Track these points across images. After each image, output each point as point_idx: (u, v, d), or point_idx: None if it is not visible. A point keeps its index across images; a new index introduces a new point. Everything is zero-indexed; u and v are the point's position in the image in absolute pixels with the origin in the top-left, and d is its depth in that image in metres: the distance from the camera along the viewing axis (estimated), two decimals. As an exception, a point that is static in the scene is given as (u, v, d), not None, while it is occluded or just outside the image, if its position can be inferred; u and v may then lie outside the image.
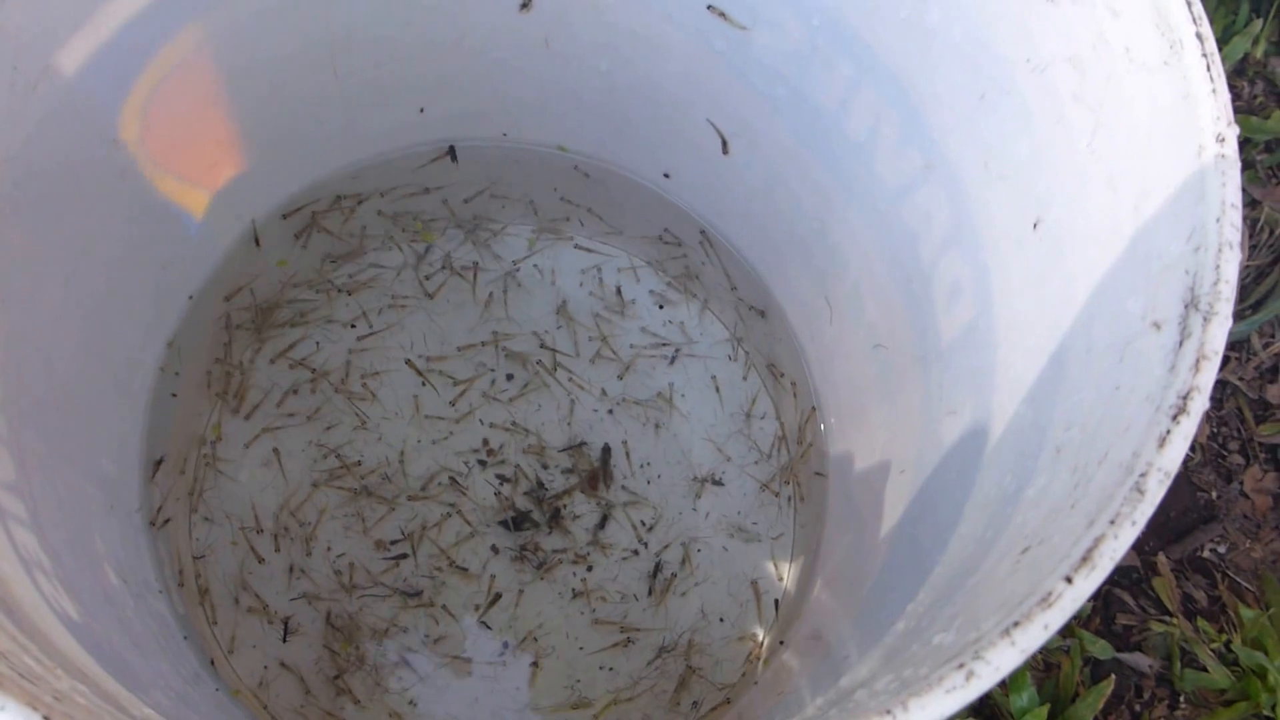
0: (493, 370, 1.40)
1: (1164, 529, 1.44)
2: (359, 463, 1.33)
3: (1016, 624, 0.59)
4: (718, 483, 1.37)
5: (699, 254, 1.44)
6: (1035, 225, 0.92)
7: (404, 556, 1.29)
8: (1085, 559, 0.60)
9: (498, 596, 1.29)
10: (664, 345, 1.42)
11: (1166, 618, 1.38)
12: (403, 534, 1.30)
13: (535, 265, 1.45)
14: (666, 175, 1.40)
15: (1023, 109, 0.92)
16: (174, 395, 1.29)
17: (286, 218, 1.39)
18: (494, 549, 1.31)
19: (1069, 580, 0.60)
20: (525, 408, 1.38)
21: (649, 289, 1.45)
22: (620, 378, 1.41)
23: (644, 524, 1.34)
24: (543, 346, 1.41)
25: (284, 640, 1.25)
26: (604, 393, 1.40)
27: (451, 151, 1.41)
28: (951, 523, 0.96)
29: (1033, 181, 0.93)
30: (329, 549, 1.29)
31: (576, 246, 1.46)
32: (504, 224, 1.46)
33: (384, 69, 1.29)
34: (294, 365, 1.37)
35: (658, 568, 1.33)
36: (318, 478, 1.32)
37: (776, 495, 1.36)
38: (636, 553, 1.33)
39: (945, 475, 1.03)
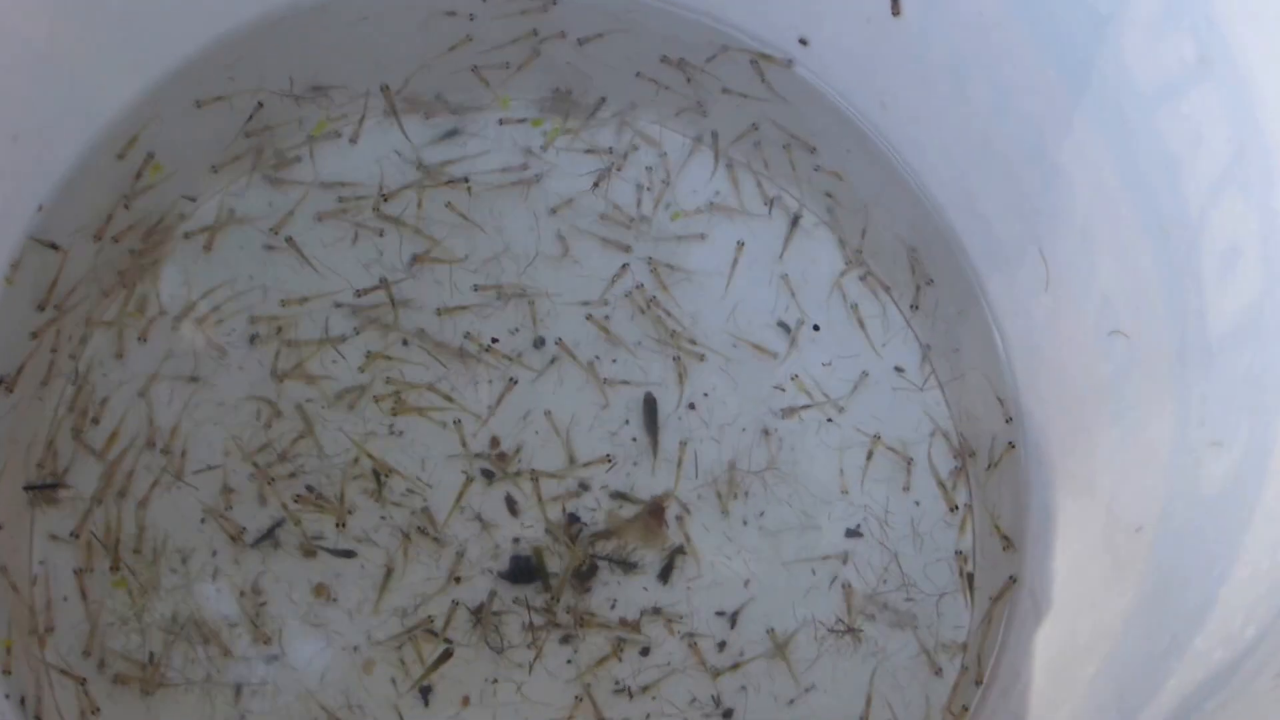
0: (513, 333, 1.50)
1: None
2: (298, 462, 1.44)
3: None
4: (855, 533, 1.46)
5: (843, 167, 1.52)
6: (1360, 161, 0.98)
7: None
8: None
9: (450, 670, 1.40)
10: (780, 312, 1.52)
11: None
12: (337, 569, 1.41)
13: (580, 173, 1.55)
14: (803, 42, 1.47)
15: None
16: (29, 336, 1.41)
17: (202, 104, 1.49)
18: (476, 615, 1.42)
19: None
20: (557, 393, 1.49)
21: (762, 223, 1.54)
22: (703, 359, 1.50)
23: (729, 599, 1.44)
24: (587, 312, 1.52)
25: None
26: (681, 377, 1.49)
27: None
28: (1199, 612, 1.04)
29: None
30: (241, 593, 1.41)
31: (650, 145, 1.56)
32: (543, 110, 1.56)
33: None
34: (201, 315, 1.48)
35: (736, 667, 1.42)
36: (233, 480, 1.43)
37: (946, 560, 1.46)
38: (721, 644, 1.43)
39: (1199, 538, 1.10)
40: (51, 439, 1.42)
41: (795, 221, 1.54)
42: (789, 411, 1.49)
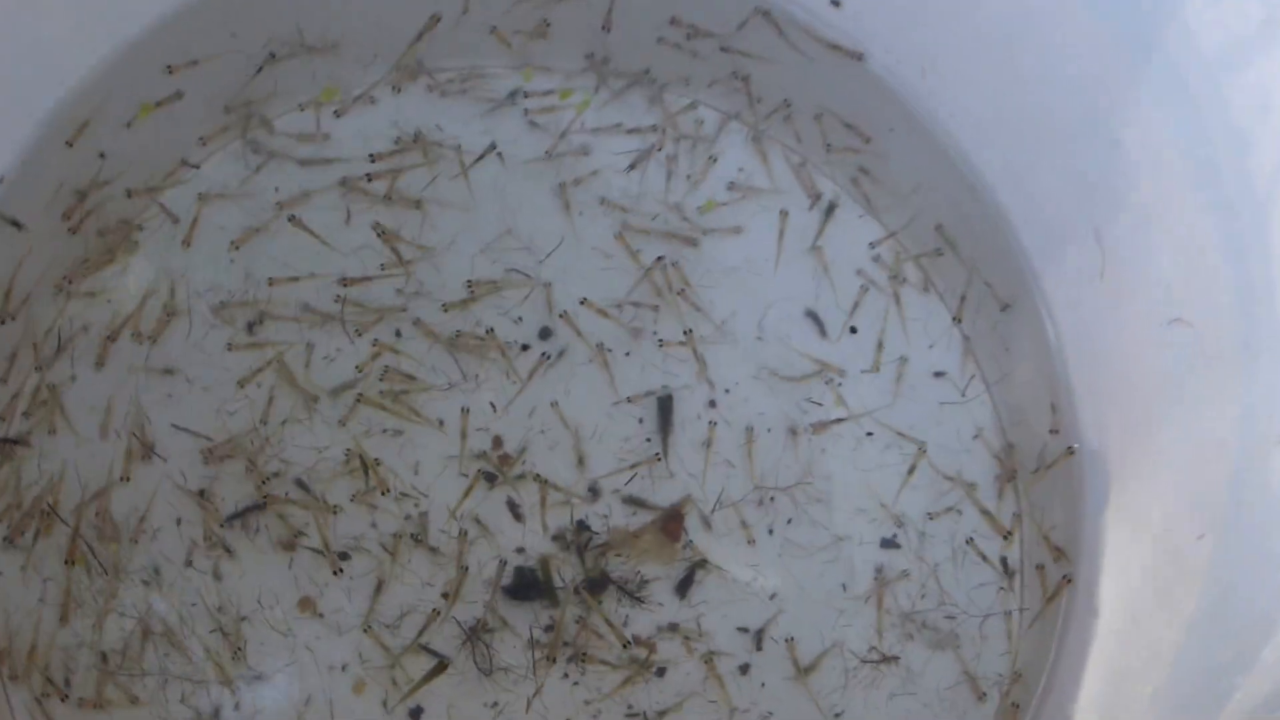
0: (516, 323, 1.51)
1: None
2: (283, 454, 1.46)
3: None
4: (891, 544, 1.48)
5: (882, 143, 1.53)
6: None
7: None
8: None
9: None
10: (812, 304, 1.54)
11: None
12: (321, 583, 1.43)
13: (614, 151, 1.57)
14: (835, 2, 1.49)
15: None
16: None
17: (174, 70, 1.49)
18: (472, 633, 1.42)
19: None
20: (568, 388, 1.50)
21: (796, 211, 1.56)
22: (726, 354, 1.52)
23: (753, 615, 1.45)
24: (604, 302, 1.53)
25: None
26: (701, 366, 1.51)
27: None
28: (1266, 621, 1.05)
29: None
30: (219, 606, 1.42)
31: (682, 122, 1.58)
32: (552, 82, 1.59)
33: None
34: (180, 300, 1.50)
35: (759, 690, 1.44)
36: (210, 478, 1.45)
37: (991, 571, 1.47)
38: (744, 666, 1.44)
39: (1265, 543, 1.11)
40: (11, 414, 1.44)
41: (830, 210, 1.56)
42: (820, 426, 1.50)
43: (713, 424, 1.50)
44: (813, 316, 1.53)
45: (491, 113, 1.57)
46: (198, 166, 1.53)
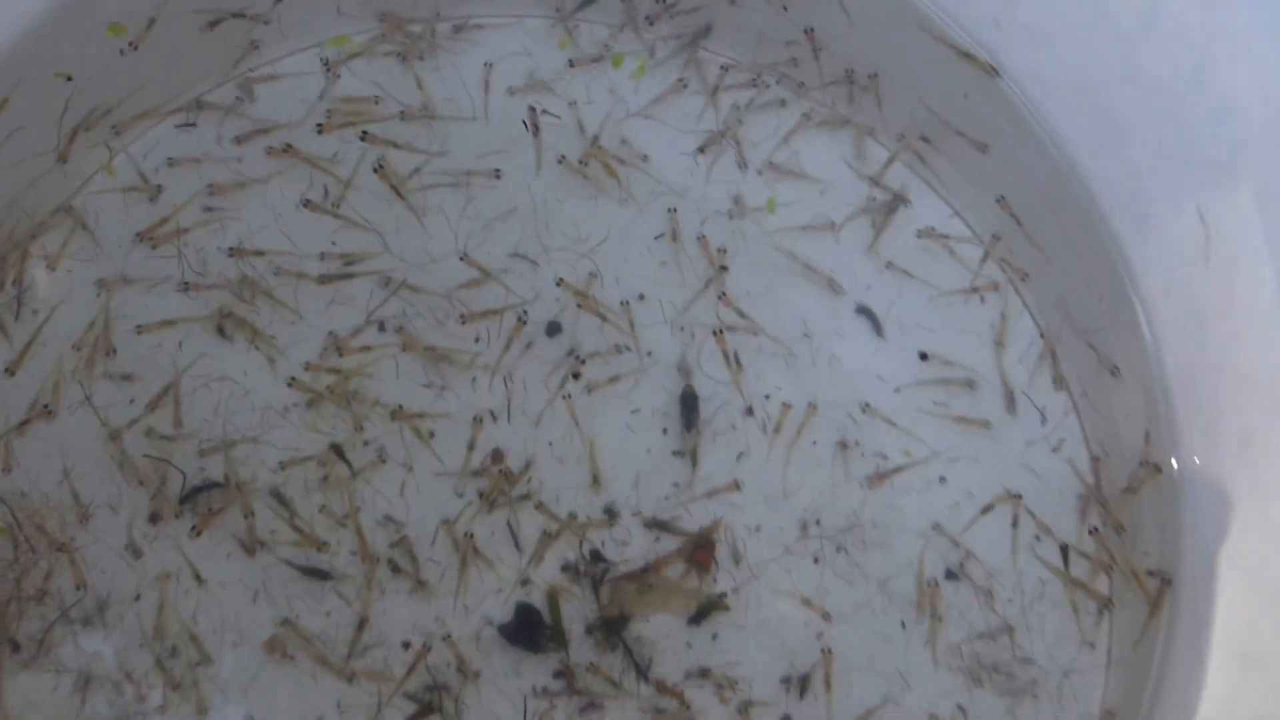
0: (522, 315, 1.43)
1: None
2: (248, 462, 1.38)
3: None
4: (953, 576, 1.39)
5: (955, 115, 1.48)
6: None
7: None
8: None
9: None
10: (869, 302, 1.46)
11: None
12: (279, 637, 1.34)
13: (620, 115, 1.50)
14: None
15: None
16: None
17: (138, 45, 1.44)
18: (441, 688, 1.34)
19: None
20: (581, 395, 1.42)
21: (853, 195, 1.49)
22: (777, 350, 1.44)
23: (796, 660, 1.36)
24: (622, 293, 1.45)
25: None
26: (738, 370, 1.42)
27: None
28: None
29: None
30: (174, 646, 1.33)
31: (704, 81, 1.51)
32: (598, 43, 1.52)
33: None
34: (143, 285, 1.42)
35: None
36: (159, 503, 1.36)
37: (1072, 607, 1.38)
38: (786, 719, 1.35)
39: None
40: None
41: (894, 207, 1.49)
42: (878, 479, 1.41)
43: (773, 423, 1.41)
44: (869, 316, 1.46)
45: (530, 81, 1.50)
46: (193, 125, 1.46)
